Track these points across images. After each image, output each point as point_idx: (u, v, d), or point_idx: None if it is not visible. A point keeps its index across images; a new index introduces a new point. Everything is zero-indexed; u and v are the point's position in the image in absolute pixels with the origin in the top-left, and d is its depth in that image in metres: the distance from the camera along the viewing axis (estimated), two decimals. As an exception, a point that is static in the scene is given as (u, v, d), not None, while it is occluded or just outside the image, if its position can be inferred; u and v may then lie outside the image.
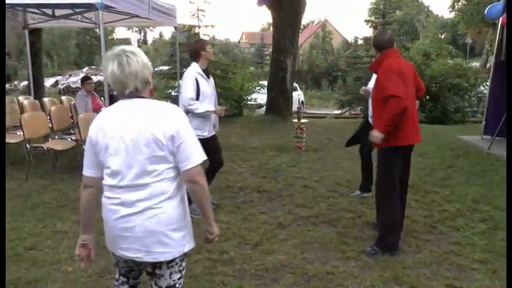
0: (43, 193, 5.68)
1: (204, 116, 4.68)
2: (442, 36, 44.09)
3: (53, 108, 7.64)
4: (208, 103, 4.71)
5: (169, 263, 2.19)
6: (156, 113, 2.10)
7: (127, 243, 2.13)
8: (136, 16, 7.65)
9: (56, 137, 7.29)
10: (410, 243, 4.14)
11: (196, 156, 2.12)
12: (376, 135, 3.74)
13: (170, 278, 2.23)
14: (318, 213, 4.98)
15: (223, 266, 3.67)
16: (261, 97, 14.72)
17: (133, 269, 2.34)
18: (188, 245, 2.23)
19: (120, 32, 61.43)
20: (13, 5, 7.86)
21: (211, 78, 4.93)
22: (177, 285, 2.26)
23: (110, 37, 38.56)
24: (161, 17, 8.12)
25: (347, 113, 16.36)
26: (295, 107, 11.72)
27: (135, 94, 2.12)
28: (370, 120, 5.20)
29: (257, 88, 15.23)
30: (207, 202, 2.21)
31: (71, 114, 7.91)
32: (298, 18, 13.22)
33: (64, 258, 3.81)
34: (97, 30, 27.91)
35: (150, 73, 2.16)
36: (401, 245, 4.07)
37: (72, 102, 8.36)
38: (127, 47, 2.14)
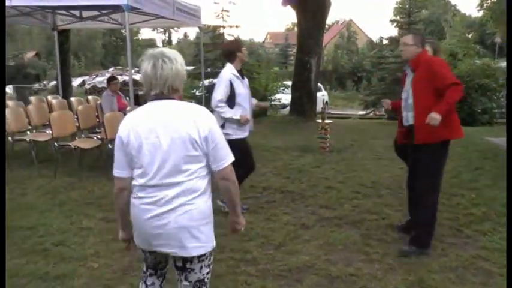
0: (70, 190, 5.80)
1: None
2: (470, 36, 43.15)
3: (79, 107, 7.80)
4: (244, 105, 4.68)
5: (201, 257, 2.26)
6: (190, 114, 2.16)
7: (161, 239, 2.19)
8: (162, 17, 7.74)
9: (83, 135, 7.43)
10: (436, 247, 4.06)
11: (229, 156, 2.23)
12: (436, 117, 3.64)
13: (200, 272, 2.30)
14: (341, 214, 4.95)
15: (247, 266, 3.67)
16: (285, 97, 14.71)
17: (161, 262, 2.42)
18: (214, 242, 2.32)
19: (145, 33, 62.30)
20: (43, 7, 8.05)
21: (246, 79, 4.90)
22: (205, 280, 2.34)
23: (135, 38, 39.09)
24: (186, 18, 8.19)
25: (371, 114, 16.23)
26: (319, 108, 11.68)
27: (161, 96, 2.17)
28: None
29: (281, 88, 15.22)
30: (238, 195, 2.32)
31: (96, 114, 8.05)
32: (323, 18, 13.16)
33: (90, 255, 3.88)
34: (123, 31, 28.33)
35: (181, 82, 2.21)
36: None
37: (98, 102, 8.51)
38: (168, 52, 2.19)
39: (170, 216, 2.14)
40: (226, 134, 4.62)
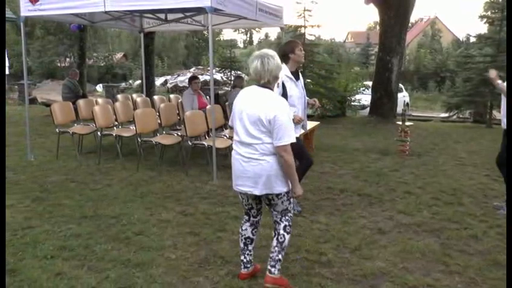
0: (151, 183, 6.08)
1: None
2: None
3: (161, 105, 8.08)
4: (297, 105, 4.65)
5: (278, 195, 3.15)
6: (265, 100, 3.04)
7: (243, 181, 3.14)
8: (244, 18, 7.83)
9: (164, 132, 7.73)
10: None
11: (287, 137, 2.98)
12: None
13: (283, 205, 3.21)
14: (420, 221, 4.74)
15: (321, 268, 3.63)
16: (364, 98, 14.36)
17: (252, 207, 3.33)
18: (287, 188, 3.14)
19: (227, 33, 63.73)
20: (132, 11, 8.51)
21: (301, 79, 4.84)
22: (289, 208, 3.26)
23: (216, 38, 40.06)
24: (268, 18, 8.20)
25: (455, 117, 15.36)
26: (400, 109, 11.27)
27: (265, 85, 3.09)
28: (503, 125, 4.83)
29: (361, 89, 14.88)
30: (291, 172, 3.07)
31: (177, 112, 8.32)
32: (406, 16, 12.71)
33: (168, 246, 4.04)
34: (205, 32, 29.21)
35: (279, 72, 3.15)
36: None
37: (180, 100, 8.79)
38: (268, 51, 3.10)
39: (248, 166, 3.08)
40: None
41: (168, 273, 3.54)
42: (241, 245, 3.39)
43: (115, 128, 7.81)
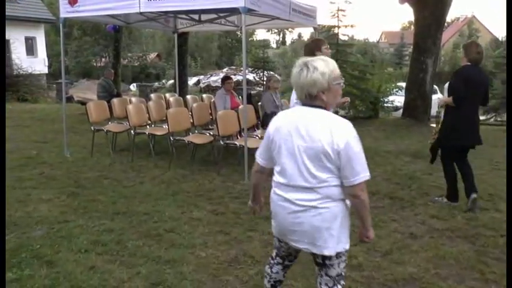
0: (182, 182, 6.16)
1: None
2: None
3: (194, 105, 8.16)
4: None
5: (338, 254, 2.39)
6: (328, 126, 2.22)
7: (296, 235, 2.37)
8: (277, 18, 7.83)
9: (196, 131, 7.81)
10: None
11: (362, 173, 2.22)
12: None
13: (339, 267, 2.44)
14: (454, 226, 4.62)
15: (351, 271, 3.58)
16: (398, 99, 14.13)
17: (291, 254, 2.64)
18: (348, 243, 2.43)
19: (260, 34, 63.91)
20: (166, 12, 8.64)
21: None
22: (342, 274, 2.48)
23: (250, 39, 40.22)
24: (301, 18, 8.16)
25: (492, 120, 14.93)
26: (434, 111, 11.01)
27: (304, 102, 2.32)
28: None
29: (395, 90, 14.66)
30: (366, 213, 2.36)
31: (210, 111, 8.39)
32: (442, 15, 12.43)
33: (198, 244, 4.08)
34: (238, 32, 29.37)
35: (320, 89, 2.24)
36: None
37: (212, 100, 8.85)
38: (311, 61, 2.27)
39: (304, 216, 2.29)
40: None
41: (198, 270, 3.57)
42: (268, 286, 2.75)
43: (148, 126, 7.95)
